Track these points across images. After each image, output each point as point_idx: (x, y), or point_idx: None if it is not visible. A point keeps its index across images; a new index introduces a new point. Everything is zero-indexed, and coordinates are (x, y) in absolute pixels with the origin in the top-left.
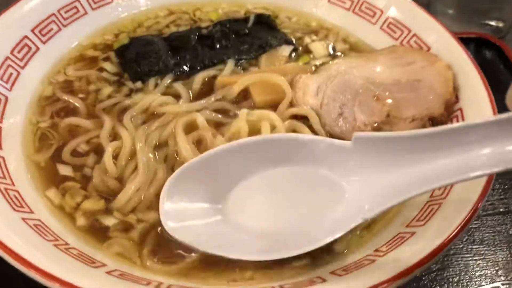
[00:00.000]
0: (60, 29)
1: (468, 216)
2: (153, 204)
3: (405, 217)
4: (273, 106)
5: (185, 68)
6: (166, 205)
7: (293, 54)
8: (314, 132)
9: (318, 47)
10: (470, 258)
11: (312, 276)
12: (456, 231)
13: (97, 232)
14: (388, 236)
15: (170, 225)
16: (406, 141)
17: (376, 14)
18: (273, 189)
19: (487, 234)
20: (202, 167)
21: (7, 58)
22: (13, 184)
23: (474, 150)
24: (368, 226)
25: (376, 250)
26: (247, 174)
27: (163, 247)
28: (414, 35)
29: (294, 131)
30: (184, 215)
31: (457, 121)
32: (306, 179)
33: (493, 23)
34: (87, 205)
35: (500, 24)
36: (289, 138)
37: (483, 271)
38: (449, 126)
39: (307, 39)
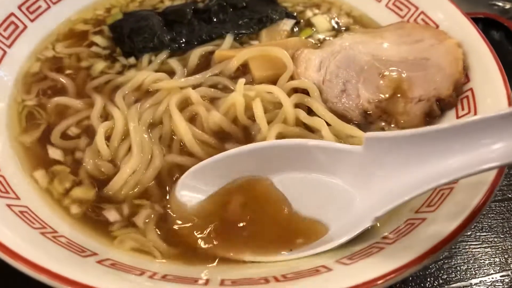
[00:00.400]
0: (49, 6)
1: (483, 200)
2: (151, 188)
3: (413, 203)
4: (273, 81)
5: (181, 43)
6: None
7: (295, 29)
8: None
9: (321, 21)
10: (478, 246)
11: (316, 264)
12: (470, 216)
13: (96, 224)
14: (396, 222)
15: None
16: (418, 139)
17: None
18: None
19: (495, 221)
20: (215, 167)
21: None
22: None
23: (486, 144)
24: None
25: (384, 237)
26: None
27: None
28: (422, 12)
29: (300, 106)
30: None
31: (468, 101)
32: (315, 185)
33: (500, 3)
34: (77, 193)
35: (508, 5)
36: (296, 144)
37: (492, 259)
38: (459, 122)
39: (309, 13)
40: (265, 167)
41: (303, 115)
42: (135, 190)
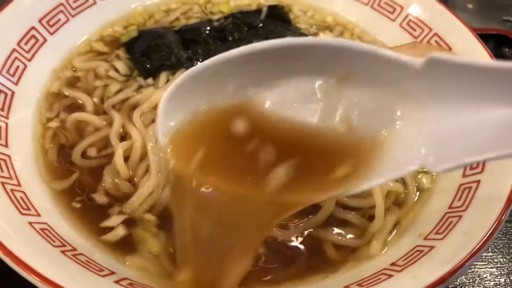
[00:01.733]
0: (68, 20)
1: (491, 230)
2: (168, 208)
3: (420, 228)
4: None
5: (198, 62)
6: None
7: None
8: None
9: None
10: (484, 266)
11: None
12: (478, 246)
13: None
14: (404, 248)
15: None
16: (492, 75)
17: (396, 10)
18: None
19: (501, 242)
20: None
21: (14, 50)
22: (19, 185)
23: None
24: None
25: (393, 264)
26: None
27: None
28: (435, 34)
29: None
30: None
31: None
32: (345, 97)
33: None
34: None
35: None
36: (325, 44)
37: (497, 279)
38: None
39: (321, 36)
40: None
41: None
42: (152, 209)
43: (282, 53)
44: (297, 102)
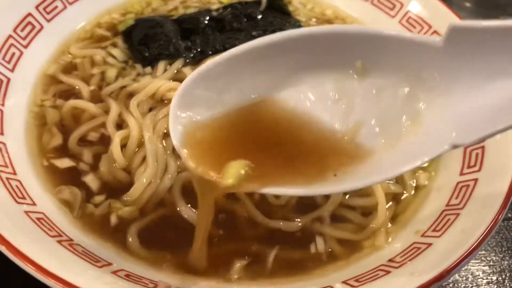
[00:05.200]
0: (65, 7)
1: (489, 228)
2: (165, 200)
3: (418, 225)
4: None
5: (196, 52)
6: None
7: None
8: None
9: None
10: (476, 264)
11: (323, 284)
12: (476, 243)
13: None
14: (402, 244)
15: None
16: None
17: (396, 7)
18: (322, 98)
19: (494, 240)
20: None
21: (10, 36)
22: (15, 173)
23: None
24: None
25: (391, 260)
26: (283, 77)
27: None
28: (435, 31)
29: None
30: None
31: None
32: (365, 88)
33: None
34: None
35: None
36: (340, 31)
37: (489, 277)
38: None
39: None
40: (287, 64)
41: None
42: (151, 200)
43: (296, 45)
44: (313, 101)
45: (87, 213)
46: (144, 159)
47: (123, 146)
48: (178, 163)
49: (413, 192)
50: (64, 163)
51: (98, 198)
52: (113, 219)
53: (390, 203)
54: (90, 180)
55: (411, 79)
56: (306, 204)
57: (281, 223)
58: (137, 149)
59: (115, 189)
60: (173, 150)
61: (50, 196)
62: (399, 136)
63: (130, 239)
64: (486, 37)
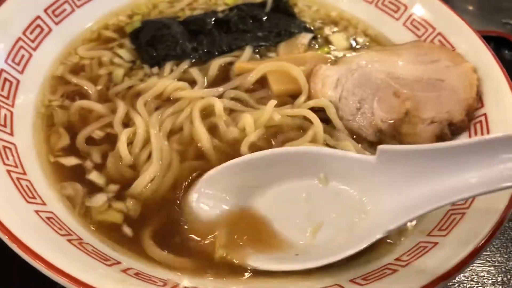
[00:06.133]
0: (73, 10)
1: (494, 227)
2: (167, 195)
3: (423, 224)
4: (291, 95)
5: (202, 53)
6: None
7: (312, 43)
8: (331, 122)
9: (339, 39)
10: (482, 265)
11: (329, 283)
12: (482, 242)
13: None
14: (408, 244)
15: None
16: (432, 154)
17: (400, 9)
18: (295, 200)
19: (499, 241)
20: (233, 171)
21: (19, 39)
22: (25, 173)
23: (504, 160)
24: None
25: (397, 259)
26: (270, 183)
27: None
28: (439, 33)
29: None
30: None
31: (481, 126)
32: (326, 193)
33: None
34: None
35: None
36: (309, 151)
37: (494, 278)
38: (477, 139)
39: (327, 30)
40: (272, 174)
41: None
42: (154, 195)
43: (279, 159)
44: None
45: (91, 210)
46: (149, 156)
47: (130, 143)
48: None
49: None
50: (71, 161)
51: (101, 197)
52: (118, 217)
53: None
54: (96, 177)
55: (358, 184)
56: None
57: None
58: (143, 147)
59: (121, 186)
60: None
61: (59, 195)
62: (351, 228)
63: (136, 238)
64: (406, 155)
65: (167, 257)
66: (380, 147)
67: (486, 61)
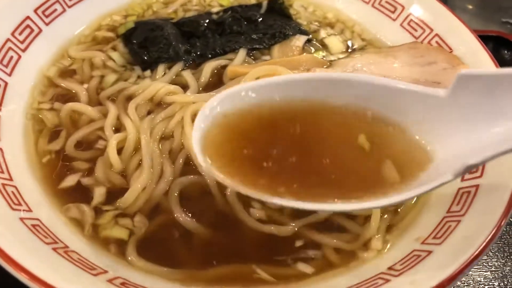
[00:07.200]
0: (64, 10)
1: (490, 236)
2: (161, 205)
3: (418, 232)
4: None
5: (195, 56)
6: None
7: (307, 45)
8: None
9: (335, 43)
10: (478, 270)
11: None
12: (478, 251)
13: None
14: (402, 251)
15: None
16: None
17: (397, 10)
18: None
19: (496, 245)
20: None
21: (8, 40)
22: (11, 179)
23: None
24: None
25: (390, 268)
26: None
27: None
28: (436, 35)
29: None
30: None
31: None
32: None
33: None
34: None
35: None
36: (368, 81)
37: (491, 283)
38: None
39: (322, 33)
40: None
41: None
42: (146, 204)
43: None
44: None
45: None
46: (140, 163)
47: (120, 149)
48: (174, 168)
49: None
50: (60, 167)
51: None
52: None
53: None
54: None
55: (420, 123)
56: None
57: (272, 227)
58: (133, 153)
59: (111, 194)
60: (169, 154)
61: (47, 202)
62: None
63: (128, 249)
64: (489, 84)
65: (156, 267)
66: (460, 72)
67: (484, 63)
